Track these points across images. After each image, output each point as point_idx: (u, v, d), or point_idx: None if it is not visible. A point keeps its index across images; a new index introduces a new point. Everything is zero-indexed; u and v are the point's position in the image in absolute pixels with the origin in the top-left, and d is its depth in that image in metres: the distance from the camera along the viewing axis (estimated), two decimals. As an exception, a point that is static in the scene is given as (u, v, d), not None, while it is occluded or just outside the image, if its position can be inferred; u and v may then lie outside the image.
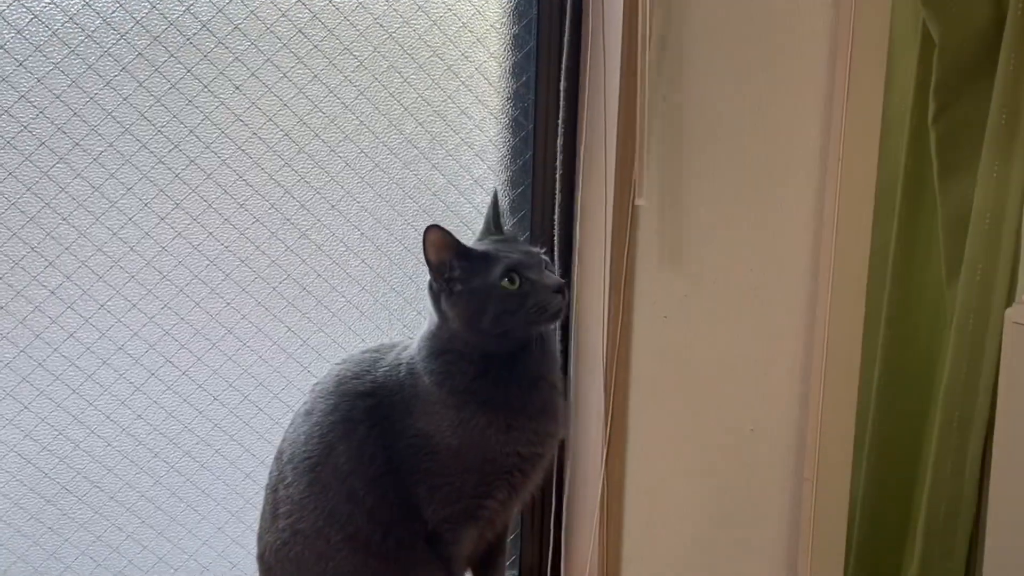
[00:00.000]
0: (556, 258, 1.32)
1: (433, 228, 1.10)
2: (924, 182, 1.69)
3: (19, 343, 1.26)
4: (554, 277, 1.12)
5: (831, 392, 1.34)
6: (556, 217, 1.34)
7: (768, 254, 1.28)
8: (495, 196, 1.20)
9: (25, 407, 1.28)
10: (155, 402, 1.33)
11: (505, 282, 1.09)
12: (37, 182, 1.23)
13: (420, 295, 1.40)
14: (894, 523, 1.83)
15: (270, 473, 1.21)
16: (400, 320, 1.41)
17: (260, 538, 1.21)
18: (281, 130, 1.30)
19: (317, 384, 1.21)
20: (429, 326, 1.16)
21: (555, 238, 1.33)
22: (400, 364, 1.17)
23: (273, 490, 1.19)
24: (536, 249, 1.15)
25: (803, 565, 1.37)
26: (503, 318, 1.09)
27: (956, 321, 1.65)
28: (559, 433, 1.19)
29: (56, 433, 1.30)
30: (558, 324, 1.21)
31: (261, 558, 1.20)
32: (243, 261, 1.32)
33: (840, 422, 1.36)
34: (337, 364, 1.21)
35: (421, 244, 1.09)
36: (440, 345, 1.14)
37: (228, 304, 1.33)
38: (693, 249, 1.25)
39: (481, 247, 1.14)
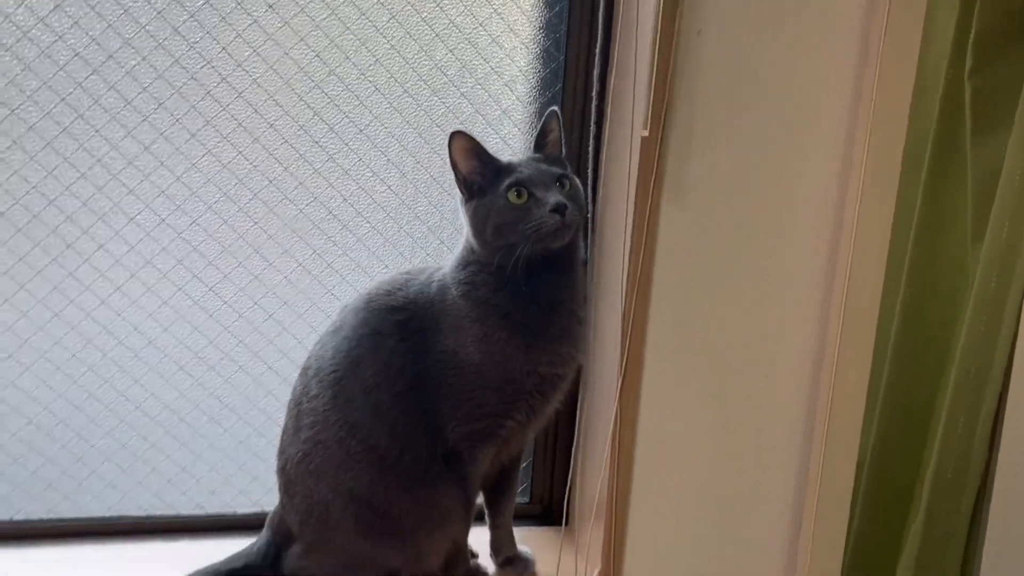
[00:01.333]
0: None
1: (458, 134, 1.12)
2: (956, 139, 1.67)
3: (51, 251, 1.29)
4: (556, 196, 1.11)
5: (847, 340, 1.34)
6: (582, 150, 1.34)
7: (792, 198, 1.28)
8: (547, 116, 1.20)
9: (56, 315, 1.31)
10: (181, 316, 1.35)
11: (512, 195, 1.11)
12: (71, 93, 1.25)
13: (444, 224, 1.42)
14: (902, 475, 1.84)
15: (293, 389, 1.24)
16: (423, 248, 1.42)
17: (282, 452, 1.24)
18: (312, 51, 1.31)
19: (346, 304, 1.23)
20: (463, 238, 1.18)
21: (580, 171, 1.34)
22: (432, 282, 1.19)
23: (297, 404, 1.22)
24: (558, 169, 1.15)
25: (809, 510, 1.39)
26: (502, 230, 1.11)
27: (979, 279, 1.64)
28: (577, 357, 1.21)
29: (85, 342, 1.33)
30: (584, 252, 1.22)
31: (282, 471, 1.24)
32: (271, 181, 1.34)
33: (855, 370, 1.36)
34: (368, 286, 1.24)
35: (448, 154, 1.12)
36: (467, 255, 1.17)
37: (255, 223, 1.35)
38: (717, 187, 1.24)
39: (504, 159, 1.15)
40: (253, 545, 1.27)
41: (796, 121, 1.25)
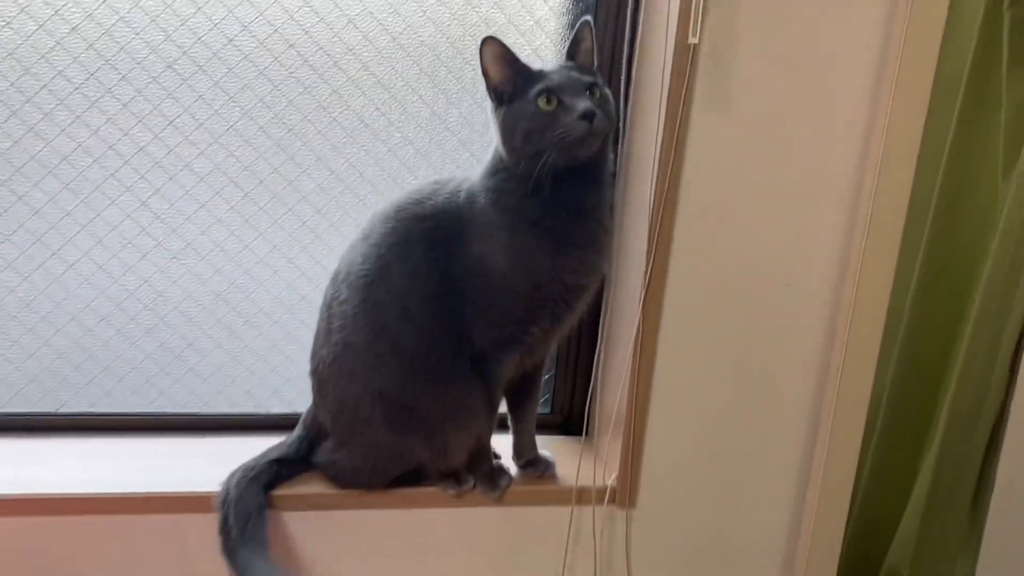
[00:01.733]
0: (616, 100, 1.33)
1: (490, 40, 1.12)
2: (992, 69, 1.65)
3: (93, 153, 1.32)
4: (585, 103, 1.11)
5: (871, 261, 1.35)
6: (614, 61, 1.35)
7: (822, 113, 1.28)
8: (580, 25, 1.19)
9: (98, 214, 1.35)
10: (218, 220, 1.39)
11: (541, 101, 1.11)
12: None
13: (474, 137, 1.43)
14: (920, 402, 1.86)
15: (325, 294, 1.28)
16: (453, 160, 1.44)
17: (314, 354, 1.29)
18: (348, -42, 1.32)
19: (375, 212, 1.26)
20: (492, 148, 1.20)
21: (612, 81, 1.34)
22: (460, 191, 1.21)
23: (328, 308, 1.26)
24: (588, 78, 1.15)
25: (824, 425, 1.42)
26: (531, 137, 1.12)
27: (1006, 213, 1.64)
28: (602, 266, 1.24)
29: (125, 242, 1.38)
30: (614, 164, 1.23)
31: (314, 372, 1.28)
32: (306, 89, 1.36)
33: (877, 287, 1.38)
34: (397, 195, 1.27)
35: (479, 60, 1.13)
36: (496, 164, 1.18)
37: (290, 130, 1.37)
38: (749, 98, 1.25)
39: (535, 67, 1.15)
40: (287, 440, 1.33)
41: (832, 39, 1.25)
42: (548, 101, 1.11)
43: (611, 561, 1.44)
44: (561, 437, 1.54)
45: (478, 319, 1.20)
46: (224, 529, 1.20)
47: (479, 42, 1.12)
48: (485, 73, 1.15)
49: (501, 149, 1.17)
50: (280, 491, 1.28)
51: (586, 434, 1.50)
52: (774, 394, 1.41)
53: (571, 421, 1.55)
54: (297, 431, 1.34)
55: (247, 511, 1.21)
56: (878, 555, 2.04)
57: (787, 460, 1.45)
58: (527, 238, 1.16)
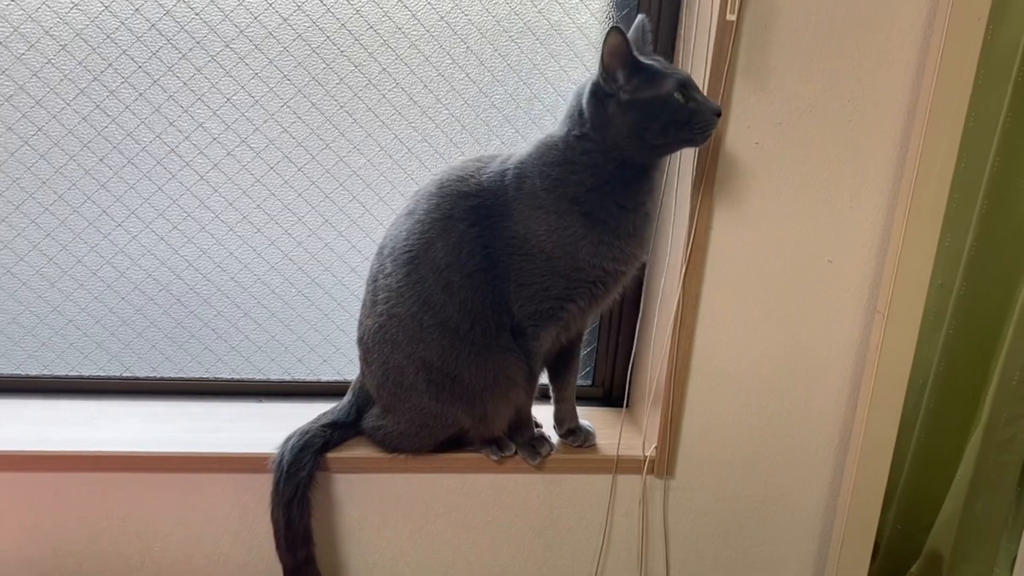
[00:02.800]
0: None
1: (615, 31, 1.10)
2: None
3: (155, 129, 1.39)
4: (713, 101, 1.15)
5: (912, 240, 1.35)
6: (657, 39, 1.36)
7: (864, 90, 1.28)
8: (641, 23, 1.21)
9: (159, 188, 1.42)
10: (273, 194, 1.45)
11: (678, 95, 1.13)
12: (173, -24, 1.33)
13: (519, 114, 1.46)
14: (967, 383, 1.85)
15: (371, 266, 1.32)
16: (499, 136, 1.47)
17: (360, 323, 1.34)
18: (398, -62, 1.35)
19: (419, 189, 1.30)
20: (559, 133, 1.20)
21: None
22: (506, 170, 1.23)
23: (373, 280, 1.30)
24: (685, 73, 1.17)
25: (862, 405, 1.43)
26: (669, 130, 1.13)
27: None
28: (643, 257, 1.26)
29: (184, 215, 1.44)
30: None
31: (361, 341, 1.33)
32: (357, 67, 1.40)
33: (916, 274, 1.37)
34: (440, 171, 1.30)
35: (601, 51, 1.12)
36: (567, 154, 1.18)
37: (342, 107, 1.42)
38: (791, 78, 1.26)
39: (644, 60, 1.15)
40: (338, 406, 1.39)
41: (876, 15, 1.25)
42: (684, 96, 1.14)
43: (650, 529, 1.47)
44: (602, 408, 1.57)
45: (517, 294, 1.23)
46: (277, 490, 1.26)
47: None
48: (603, 63, 1.13)
49: (616, 139, 1.16)
50: (331, 454, 1.34)
51: (627, 405, 1.53)
52: (813, 368, 1.42)
53: (612, 392, 1.58)
54: (347, 397, 1.39)
55: (299, 474, 1.27)
56: (920, 537, 2.04)
57: (826, 433, 1.47)
58: (576, 227, 1.19)
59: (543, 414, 1.44)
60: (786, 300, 1.37)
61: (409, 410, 1.31)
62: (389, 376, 1.29)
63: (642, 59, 1.14)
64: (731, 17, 1.18)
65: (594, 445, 1.42)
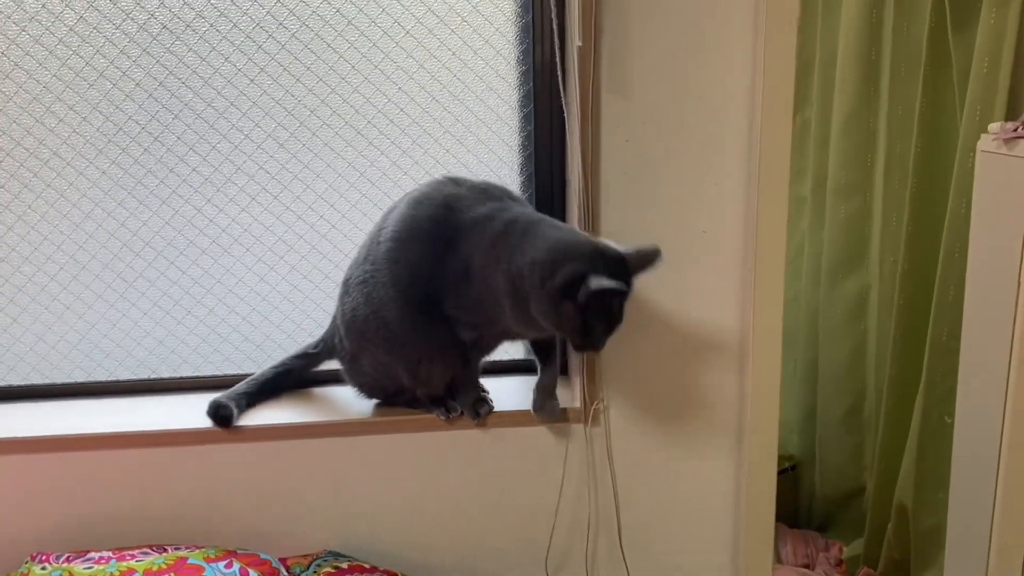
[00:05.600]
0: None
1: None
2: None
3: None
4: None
5: (765, 203, 1.59)
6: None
7: (710, 85, 1.55)
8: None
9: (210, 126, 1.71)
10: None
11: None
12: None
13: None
14: (917, 344, 2.03)
15: (370, 234, 1.61)
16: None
17: (348, 270, 1.63)
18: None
19: (436, 186, 1.57)
20: (564, 239, 1.45)
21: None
22: (514, 222, 1.48)
23: (367, 246, 1.59)
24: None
25: (747, 322, 1.66)
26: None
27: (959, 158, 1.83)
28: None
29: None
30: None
31: (345, 283, 1.63)
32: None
33: (775, 225, 1.60)
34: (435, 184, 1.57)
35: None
36: (558, 278, 1.39)
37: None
38: (647, 84, 1.54)
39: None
40: (311, 343, 1.74)
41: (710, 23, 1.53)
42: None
43: (595, 466, 1.73)
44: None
45: (449, 298, 1.54)
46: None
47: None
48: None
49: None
50: (299, 421, 1.67)
51: (566, 372, 1.81)
52: (705, 316, 1.66)
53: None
54: (322, 335, 1.72)
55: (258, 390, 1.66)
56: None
57: (726, 358, 1.68)
58: (527, 304, 1.44)
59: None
60: (671, 265, 1.58)
61: (369, 360, 1.61)
62: (356, 322, 1.58)
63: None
64: (579, 43, 1.48)
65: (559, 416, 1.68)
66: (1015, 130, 1.55)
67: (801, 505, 2.53)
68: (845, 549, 2.34)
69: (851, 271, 2.28)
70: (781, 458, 2.11)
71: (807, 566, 2.26)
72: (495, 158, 1.76)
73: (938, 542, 1.99)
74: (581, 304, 1.37)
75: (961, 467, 1.80)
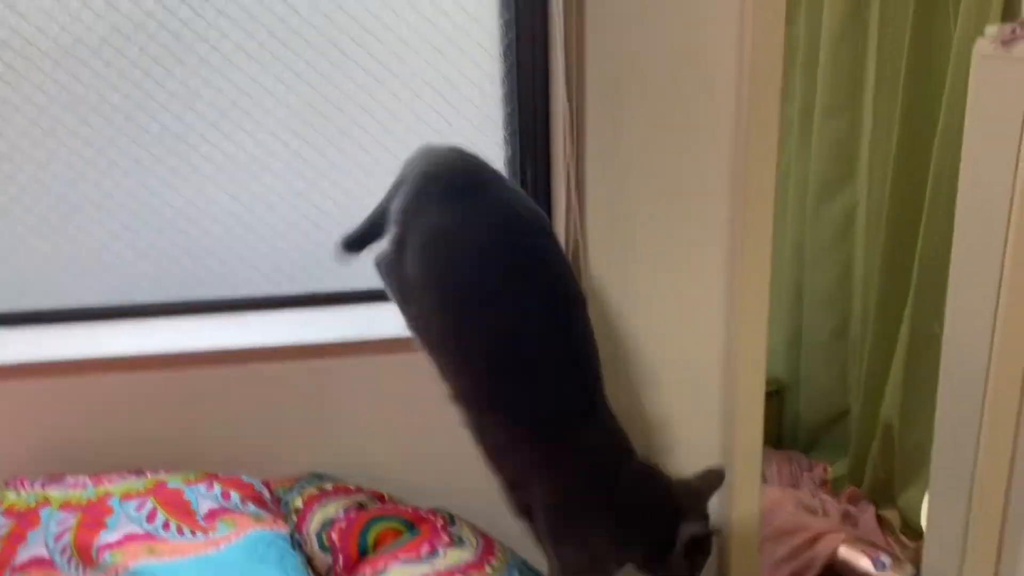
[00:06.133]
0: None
1: None
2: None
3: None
4: None
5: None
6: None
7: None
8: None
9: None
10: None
11: None
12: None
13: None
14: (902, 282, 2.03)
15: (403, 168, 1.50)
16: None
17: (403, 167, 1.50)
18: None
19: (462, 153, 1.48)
20: None
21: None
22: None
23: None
24: None
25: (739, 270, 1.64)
26: None
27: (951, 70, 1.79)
28: None
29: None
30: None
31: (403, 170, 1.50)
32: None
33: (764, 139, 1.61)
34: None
35: None
36: None
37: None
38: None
39: None
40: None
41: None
42: None
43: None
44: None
45: None
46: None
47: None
48: None
49: None
50: (270, 344, 1.64)
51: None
52: (695, 271, 1.67)
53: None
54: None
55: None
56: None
57: (711, 302, 1.69)
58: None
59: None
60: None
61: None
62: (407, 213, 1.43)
63: None
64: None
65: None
66: (1013, 31, 1.50)
67: (785, 428, 2.55)
68: (830, 469, 2.36)
69: (838, 191, 2.26)
70: (766, 381, 2.11)
71: (792, 486, 2.27)
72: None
73: (923, 459, 2.01)
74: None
75: (948, 379, 1.79)
